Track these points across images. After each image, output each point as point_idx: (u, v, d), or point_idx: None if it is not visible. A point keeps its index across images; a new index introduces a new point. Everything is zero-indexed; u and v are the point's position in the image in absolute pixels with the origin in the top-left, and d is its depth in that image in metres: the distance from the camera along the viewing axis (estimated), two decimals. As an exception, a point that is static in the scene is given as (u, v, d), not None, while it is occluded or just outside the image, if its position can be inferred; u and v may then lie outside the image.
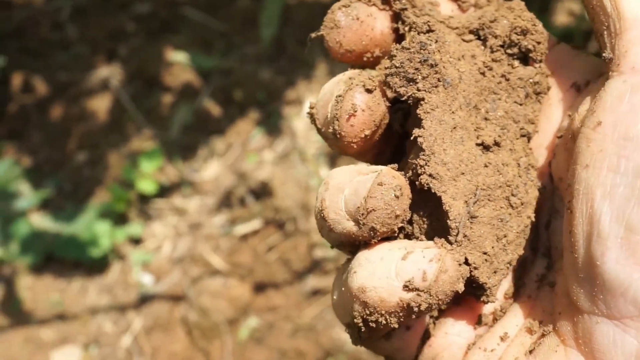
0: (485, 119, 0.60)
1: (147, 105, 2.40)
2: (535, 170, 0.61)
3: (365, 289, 0.52)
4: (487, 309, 0.60)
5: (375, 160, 0.62)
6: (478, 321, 0.60)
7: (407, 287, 0.51)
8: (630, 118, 0.48)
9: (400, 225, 0.54)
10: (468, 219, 0.56)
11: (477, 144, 0.59)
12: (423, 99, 0.56)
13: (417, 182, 0.56)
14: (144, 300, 2.08)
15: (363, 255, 0.54)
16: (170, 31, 2.52)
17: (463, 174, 0.57)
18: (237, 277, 2.07)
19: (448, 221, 0.56)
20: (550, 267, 0.60)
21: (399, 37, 0.61)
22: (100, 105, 2.42)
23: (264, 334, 1.97)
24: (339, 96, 0.56)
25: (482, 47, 0.61)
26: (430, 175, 0.56)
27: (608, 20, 0.52)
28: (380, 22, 0.60)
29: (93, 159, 2.33)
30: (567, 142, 0.57)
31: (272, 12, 2.12)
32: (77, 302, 2.11)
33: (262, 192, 2.17)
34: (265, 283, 2.05)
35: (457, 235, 0.55)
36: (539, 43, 0.60)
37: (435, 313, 0.61)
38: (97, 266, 2.15)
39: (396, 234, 0.56)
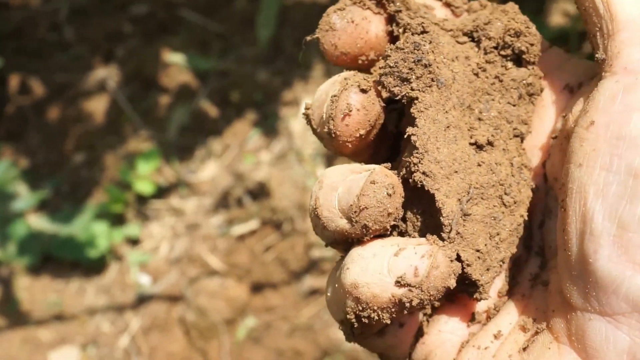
0: (479, 119, 0.61)
1: (144, 106, 2.40)
2: (529, 170, 0.62)
3: (358, 285, 0.53)
4: (481, 307, 0.61)
5: (370, 160, 0.62)
6: (471, 319, 0.60)
7: (399, 283, 0.52)
8: (622, 118, 0.48)
9: (392, 223, 0.55)
10: (461, 217, 0.57)
11: (471, 144, 0.60)
12: (417, 98, 0.57)
13: (410, 180, 0.57)
14: (142, 300, 2.09)
15: (356, 252, 0.54)
16: (168, 32, 2.53)
17: (456, 172, 0.57)
18: (234, 278, 2.07)
19: (441, 218, 0.56)
20: (543, 266, 0.60)
21: (393, 40, 0.61)
22: (98, 106, 2.43)
23: (261, 333, 1.98)
24: (334, 96, 0.56)
25: (476, 49, 0.62)
26: (423, 172, 0.56)
27: (600, 22, 0.52)
28: (375, 25, 0.60)
29: (90, 160, 2.33)
30: (562, 143, 0.57)
31: (269, 13, 2.13)
32: (75, 302, 2.11)
33: (259, 192, 2.17)
34: (262, 283, 2.05)
35: (449, 232, 0.56)
36: (532, 45, 0.61)
37: (428, 310, 0.61)
38: (94, 267, 2.15)
39: (389, 232, 0.57)
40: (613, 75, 0.51)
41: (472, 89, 0.60)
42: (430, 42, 0.58)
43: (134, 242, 2.20)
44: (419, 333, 0.61)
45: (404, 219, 0.59)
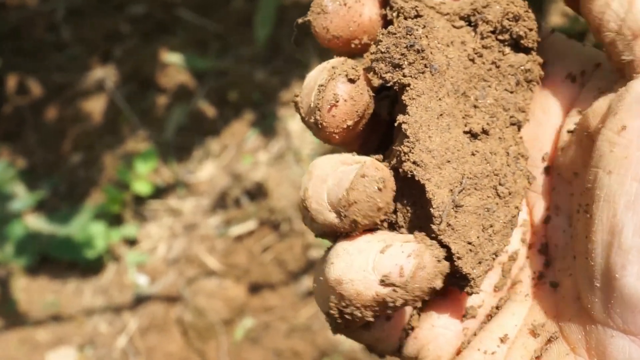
0: (474, 106, 0.59)
1: (142, 106, 2.40)
2: (525, 159, 0.60)
3: (342, 281, 0.51)
4: (475, 302, 0.59)
5: (361, 149, 0.60)
6: (465, 314, 0.59)
7: (383, 282, 0.50)
8: None
9: (383, 217, 0.53)
10: (452, 208, 0.55)
11: (465, 132, 0.58)
12: (409, 85, 0.55)
13: (400, 170, 0.55)
14: (140, 301, 2.08)
15: (341, 246, 0.53)
16: (165, 32, 2.53)
17: (449, 162, 0.56)
18: (232, 278, 2.07)
19: (431, 209, 0.54)
20: (548, 264, 0.58)
21: (387, 24, 0.59)
22: (95, 106, 2.42)
23: (259, 334, 1.98)
24: (321, 85, 0.55)
25: (473, 34, 0.60)
26: (414, 162, 0.55)
27: (620, 26, 0.50)
28: (368, 9, 0.58)
29: (88, 160, 2.33)
30: (582, 140, 0.55)
31: (267, 13, 2.13)
32: (73, 303, 2.11)
33: (257, 193, 2.17)
34: (260, 283, 2.05)
35: (440, 224, 0.54)
36: (530, 30, 0.59)
37: (419, 304, 0.59)
38: (92, 267, 2.15)
39: (379, 225, 0.55)
40: None
41: (467, 75, 0.59)
42: (424, 27, 0.56)
43: (131, 242, 2.19)
44: (410, 327, 0.60)
45: (394, 211, 0.58)
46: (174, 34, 2.51)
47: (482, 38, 0.60)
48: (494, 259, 0.57)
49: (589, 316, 0.50)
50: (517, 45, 0.61)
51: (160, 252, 2.16)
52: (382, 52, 0.56)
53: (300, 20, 0.60)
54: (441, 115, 0.56)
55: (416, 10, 0.58)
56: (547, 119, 0.60)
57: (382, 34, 0.56)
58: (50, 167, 2.33)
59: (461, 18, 0.60)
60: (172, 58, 2.44)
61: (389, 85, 0.56)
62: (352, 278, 0.51)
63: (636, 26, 0.49)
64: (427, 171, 0.55)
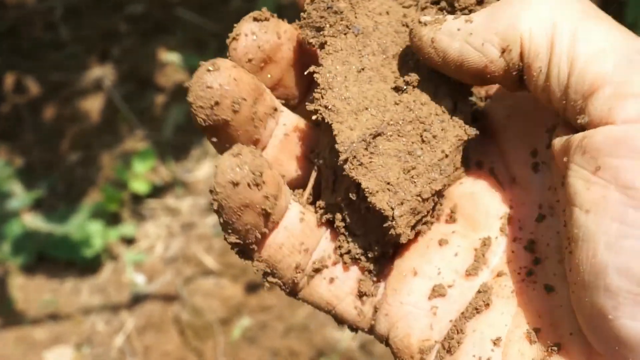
0: (408, 68, 0.61)
1: (140, 105, 2.40)
2: (466, 115, 0.61)
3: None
4: (444, 280, 0.59)
5: (295, 104, 0.64)
6: (432, 292, 0.59)
7: (211, 190, 0.54)
8: (632, 166, 0.45)
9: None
10: (365, 148, 0.56)
11: (392, 88, 0.60)
12: (326, 42, 0.59)
13: (313, 117, 0.58)
14: (137, 300, 2.09)
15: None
16: (164, 32, 2.53)
17: (367, 109, 0.58)
18: (229, 277, 2.07)
19: (336, 146, 0.56)
20: (537, 262, 0.57)
21: None
22: (93, 105, 2.42)
23: (256, 333, 1.98)
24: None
25: (416, 8, 0.63)
26: (325, 106, 0.57)
27: (567, 92, 0.50)
28: None
29: (86, 159, 2.33)
30: (558, 157, 0.53)
31: (265, 13, 2.13)
32: (70, 302, 2.11)
33: (255, 192, 2.17)
34: (257, 283, 2.05)
35: (347, 160, 0.56)
36: None
37: (371, 266, 0.61)
38: (89, 266, 2.15)
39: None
40: (609, 125, 0.47)
41: (401, 39, 0.61)
42: None
43: (129, 241, 2.19)
44: (363, 292, 0.61)
45: (318, 155, 0.61)
46: (173, 33, 2.51)
47: (423, 9, 0.62)
48: (419, 201, 0.57)
49: (592, 348, 0.49)
50: (452, 7, 0.62)
51: (158, 251, 2.16)
52: (305, 18, 0.60)
53: None
54: (362, 69, 0.59)
55: None
56: (539, 115, 0.60)
57: (307, 3, 0.60)
58: (47, 165, 2.33)
59: None
60: (171, 57, 2.44)
61: (315, 48, 0.60)
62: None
63: (583, 89, 0.48)
64: (339, 115, 0.57)
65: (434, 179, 0.58)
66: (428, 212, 0.60)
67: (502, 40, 0.52)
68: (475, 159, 0.64)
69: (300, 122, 0.63)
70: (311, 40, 0.60)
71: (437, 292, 0.58)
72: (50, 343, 2.04)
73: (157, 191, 2.26)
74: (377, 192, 0.56)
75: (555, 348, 0.51)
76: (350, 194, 0.59)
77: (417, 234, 0.61)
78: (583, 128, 0.49)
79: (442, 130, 0.59)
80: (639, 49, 0.47)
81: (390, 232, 0.57)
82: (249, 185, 0.53)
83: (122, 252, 2.17)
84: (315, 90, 0.58)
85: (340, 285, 0.61)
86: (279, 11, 2.49)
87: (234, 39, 0.59)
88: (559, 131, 0.52)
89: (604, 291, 0.45)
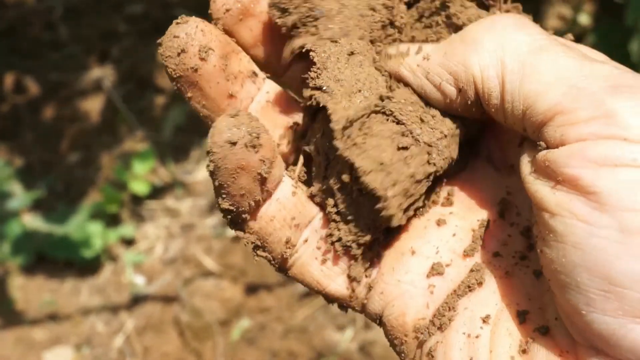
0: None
1: (139, 106, 2.40)
2: None
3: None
4: (442, 259, 0.59)
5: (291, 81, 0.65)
6: (431, 271, 0.59)
7: (208, 151, 0.55)
8: (590, 174, 0.47)
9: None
10: (359, 128, 0.56)
11: (384, 75, 0.61)
12: (295, 25, 0.60)
13: (306, 96, 0.58)
14: (136, 300, 2.09)
15: None
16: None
17: (360, 91, 0.58)
18: (229, 278, 2.08)
19: (330, 124, 0.56)
20: (531, 248, 0.58)
21: None
22: (93, 106, 2.42)
23: (255, 334, 1.98)
24: None
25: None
26: (319, 88, 0.57)
27: (524, 124, 0.53)
28: None
29: (85, 160, 2.33)
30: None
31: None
32: (70, 302, 2.11)
33: (255, 193, 2.17)
34: (257, 284, 2.06)
35: (340, 139, 0.56)
36: None
37: (361, 254, 0.61)
38: (89, 267, 2.15)
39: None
40: (562, 145, 0.50)
41: (365, 23, 0.61)
42: None
43: (128, 242, 2.20)
44: (353, 277, 0.61)
45: (308, 141, 0.61)
46: (172, 33, 2.51)
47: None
48: (412, 182, 0.58)
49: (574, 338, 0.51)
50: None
51: (158, 252, 2.17)
52: None
53: None
54: (352, 53, 0.59)
55: None
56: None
57: None
58: (47, 166, 2.33)
59: None
60: (170, 58, 2.44)
61: (283, 30, 0.60)
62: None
63: (536, 121, 0.51)
64: (333, 97, 0.57)
65: (429, 160, 0.58)
66: (421, 196, 0.60)
67: (456, 80, 0.55)
68: (474, 149, 0.65)
69: (284, 93, 0.64)
70: (277, 21, 0.60)
71: (436, 270, 0.59)
72: (49, 343, 2.04)
73: (157, 192, 2.27)
74: (370, 171, 0.56)
75: (544, 330, 0.53)
76: (342, 176, 0.58)
77: (409, 220, 0.62)
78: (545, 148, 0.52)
79: (441, 113, 0.59)
80: (587, 74, 0.50)
81: (381, 215, 0.57)
82: (245, 146, 0.54)
83: (121, 252, 2.17)
84: (312, 69, 0.58)
85: (331, 265, 0.62)
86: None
87: None
88: (526, 148, 0.55)
89: (576, 288, 0.47)
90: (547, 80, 0.51)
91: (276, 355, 1.94)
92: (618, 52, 1.76)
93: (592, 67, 0.51)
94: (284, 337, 1.96)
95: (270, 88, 0.63)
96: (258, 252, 0.60)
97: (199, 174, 2.28)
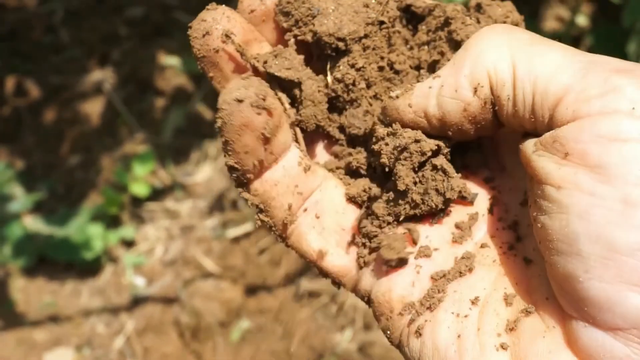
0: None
1: (140, 108, 2.41)
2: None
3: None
4: (431, 243, 0.63)
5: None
6: (419, 252, 0.62)
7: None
8: (599, 148, 0.50)
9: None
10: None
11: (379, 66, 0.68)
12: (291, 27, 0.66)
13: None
14: (137, 302, 2.09)
15: None
16: (163, 35, 2.53)
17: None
18: (229, 280, 2.08)
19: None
20: (519, 240, 0.61)
21: None
22: (93, 108, 2.43)
23: (255, 336, 1.99)
24: None
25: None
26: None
27: (534, 110, 0.55)
28: None
29: (86, 162, 2.34)
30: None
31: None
32: (70, 304, 2.11)
33: (254, 195, 2.17)
34: (257, 285, 2.06)
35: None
36: None
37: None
38: (89, 268, 2.16)
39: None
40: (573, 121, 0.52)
41: (359, 18, 0.66)
42: None
43: (129, 244, 2.20)
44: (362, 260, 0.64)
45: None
46: (172, 36, 2.52)
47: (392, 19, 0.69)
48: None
49: (562, 308, 0.53)
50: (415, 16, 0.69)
51: (158, 253, 2.17)
52: (277, 5, 0.66)
53: None
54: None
55: None
56: None
57: None
58: (48, 168, 2.34)
59: None
60: (170, 61, 2.45)
61: (290, 33, 0.66)
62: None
63: (548, 103, 0.53)
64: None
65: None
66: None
67: (472, 80, 0.58)
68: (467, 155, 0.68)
69: None
70: (284, 25, 0.66)
71: (423, 252, 0.62)
72: (50, 345, 2.05)
73: (157, 194, 2.27)
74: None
75: (531, 310, 0.55)
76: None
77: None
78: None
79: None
80: (592, 60, 0.53)
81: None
82: (252, 105, 0.59)
83: (122, 254, 2.18)
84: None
85: (327, 236, 0.65)
86: None
87: None
88: (528, 138, 0.57)
89: (575, 256, 0.50)
90: (555, 64, 0.53)
91: (276, 357, 1.95)
92: (615, 54, 1.76)
93: (594, 55, 0.54)
94: (283, 338, 1.97)
95: None
96: (260, 216, 0.64)
97: (199, 176, 2.29)
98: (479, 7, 0.67)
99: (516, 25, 0.65)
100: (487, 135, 0.62)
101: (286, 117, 0.65)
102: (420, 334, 0.58)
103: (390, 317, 0.61)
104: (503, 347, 0.54)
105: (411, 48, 0.70)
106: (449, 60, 0.62)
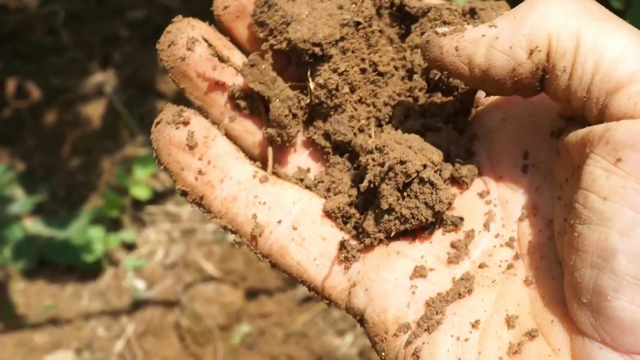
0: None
1: (141, 111, 2.41)
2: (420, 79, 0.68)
3: None
4: (427, 263, 0.61)
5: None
6: (414, 272, 0.61)
7: None
8: None
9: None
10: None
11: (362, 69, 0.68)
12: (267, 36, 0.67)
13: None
14: (137, 305, 2.09)
15: None
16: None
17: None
18: (229, 283, 2.08)
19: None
20: (517, 257, 0.59)
21: None
22: (94, 110, 2.43)
23: (255, 339, 1.99)
24: None
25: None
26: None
27: (590, 92, 0.52)
28: None
29: (87, 165, 2.34)
30: (567, 153, 0.56)
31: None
32: (70, 306, 2.11)
33: (255, 198, 2.17)
34: (257, 289, 2.06)
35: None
36: None
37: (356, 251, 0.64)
38: (90, 271, 2.16)
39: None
40: (632, 119, 0.49)
41: (334, 21, 0.66)
42: None
43: (129, 247, 2.20)
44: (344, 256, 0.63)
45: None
46: (173, 39, 2.51)
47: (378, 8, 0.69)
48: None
49: (575, 326, 0.51)
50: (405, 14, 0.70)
51: (158, 257, 2.17)
52: (253, 16, 0.67)
53: None
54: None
55: None
56: (536, 120, 0.62)
57: (256, 6, 0.67)
58: (49, 170, 2.34)
59: None
60: (171, 63, 2.45)
61: (268, 43, 0.67)
62: None
63: (608, 86, 0.50)
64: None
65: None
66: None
67: (529, 41, 0.53)
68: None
69: None
70: (260, 35, 0.67)
71: (419, 272, 0.61)
72: (50, 347, 2.05)
73: (158, 197, 2.27)
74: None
75: (535, 333, 0.53)
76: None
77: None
78: (601, 123, 0.51)
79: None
80: None
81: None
82: (168, 123, 0.63)
83: (122, 257, 2.18)
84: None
85: (308, 247, 0.64)
86: None
87: None
88: (572, 128, 0.55)
89: (609, 273, 0.47)
90: (622, 48, 0.50)
91: (276, 360, 1.95)
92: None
93: None
94: (284, 342, 1.97)
95: None
96: (235, 238, 0.65)
97: (200, 179, 2.29)
98: (473, 13, 0.65)
99: None
100: (523, 97, 0.58)
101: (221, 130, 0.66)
102: (417, 357, 0.56)
103: (385, 338, 0.59)
104: None
105: (401, 49, 0.69)
106: None
